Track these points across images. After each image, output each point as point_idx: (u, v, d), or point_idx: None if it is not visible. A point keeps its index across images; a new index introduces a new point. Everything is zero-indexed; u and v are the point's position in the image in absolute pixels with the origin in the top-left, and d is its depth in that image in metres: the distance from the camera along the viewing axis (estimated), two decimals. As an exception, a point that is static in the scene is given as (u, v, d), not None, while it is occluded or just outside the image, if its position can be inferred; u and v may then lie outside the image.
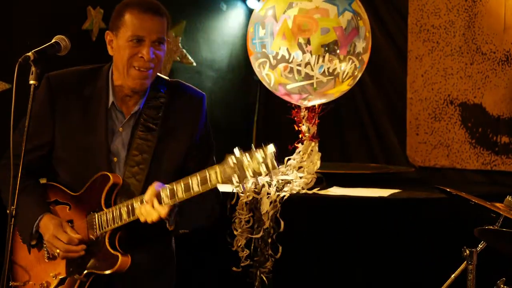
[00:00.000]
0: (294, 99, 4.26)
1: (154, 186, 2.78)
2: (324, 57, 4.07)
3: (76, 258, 2.92)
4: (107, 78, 3.01)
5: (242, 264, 4.10)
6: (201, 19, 5.64)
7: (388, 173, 5.13)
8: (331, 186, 4.37)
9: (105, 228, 2.88)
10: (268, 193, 4.09)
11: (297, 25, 4.06)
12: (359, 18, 4.16)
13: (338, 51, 4.08)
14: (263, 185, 4.12)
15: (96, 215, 2.91)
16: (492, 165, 5.16)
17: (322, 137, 4.39)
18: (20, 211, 2.67)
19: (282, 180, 4.20)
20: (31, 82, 2.69)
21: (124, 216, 2.84)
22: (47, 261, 2.99)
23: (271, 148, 2.56)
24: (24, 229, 2.95)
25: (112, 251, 2.87)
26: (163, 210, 2.75)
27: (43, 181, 3.13)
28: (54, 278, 2.96)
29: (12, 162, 2.74)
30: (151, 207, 2.76)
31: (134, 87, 2.95)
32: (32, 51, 2.72)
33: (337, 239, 4.08)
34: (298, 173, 4.25)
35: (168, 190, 2.74)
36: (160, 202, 2.75)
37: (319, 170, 4.31)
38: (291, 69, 4.10)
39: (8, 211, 2.66)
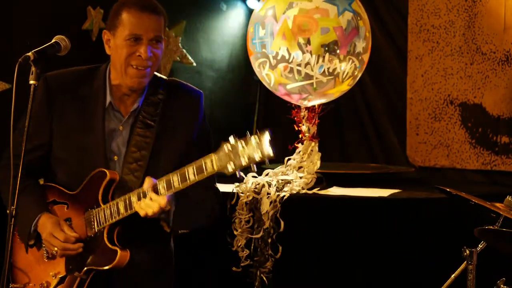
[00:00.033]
0: (294, 99, 4.26)
1: (151, 178, 2.80)
2: (324, 57, 4.07)
3: (75, 255, 2.93)
4: (104, 78, 3.02)
5: (242, 264, 4.10)
6: (201, 19, 5.64)
7: (388, 173, 5.13)
8: (331, 186, 4.37)
9: (103, 223, 2.89)
10: (268, 193, 4.09)
11: (297, 25, 4.06)
12: (359, 18, 4.16)
13: (338, 51, 4.08)
14: (263, 185, 4.12)
15: (94, 212, 2.92)
16: (492, 165, 5.16)
17: (322, 137, 4.39)
18: (20, 211, 2.68)
19: (282, 180, 4.20)
20: (31, 82, 2.69)
21: (122, 210, 2.85)
22: (46, 260, 2.99)
23: (266, 135, 2.57)
24: (23, 228, 2.96)
25: (110, 246, 2.88)
26: (162, 200, 2.77)
27: (41, 181, 3.14)
28: (54, 278, 2.97)
29: (12, 162, 2.74)
30: (149, 199, 2.77)
31: (132, 86, 2.96)
32: (32, 51, 2.72)
33: (337, 239, 4.08)
34: (298, 173, 4.25)
35: (164, 181, 2.77)
36: (157, 193, 2.77)
37: (319, 170, 4.31)
38: (291, 69, 4.10)
39: (8, 211, 2.66)
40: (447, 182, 5.11)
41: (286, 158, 4.35)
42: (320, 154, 4.32)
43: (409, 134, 5.51)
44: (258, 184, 4.14)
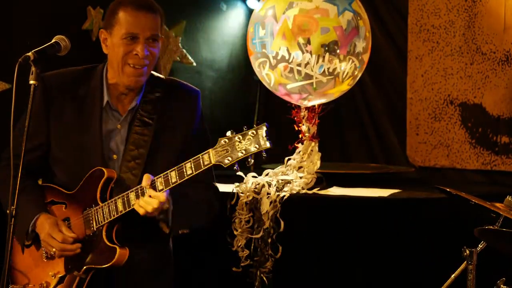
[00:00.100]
0: (294, 99, 4.26)
1: (149, 175, 2.81)
2: (324, 57, 4.07)
3: (74, 255, 2.92)
4: (101, 77, 3.03)
5: (242, 264, 4.10)
6: (201, 19, 5.64)
7: (388, 173, 5.12)
8: (331, 186, 4.37)
9: (101, 222, 2.90)
10: (268, 193, 4.09)
11: (297, 25, 4.06)
12: (359, 18, 4.15)
13: (338, 51, 4.08)
14: (263, 185, 4.12)
15: (92, 210, 2.92)
16: (492, 165, 5.16)
17: (322, 137, 4.39)
18: (19, 211, 2.68)
19: (282, 180, 4.20)
20: (31, 82, 2.69)
21: (120, 207, 2.85)
22: (45, 260, 3.00)
23: (263, 127, 2.59)
24: (21, 228, 2.96)
25: (109, 244, 2.89)
26: (161, 196, 2.78)
27: (39, 181, 3.14)
28: (53, 277, 2.97)
29: (12, 162, 2.74)
30: (148, 196, 2.77)
31: (129, 85, 2.97)
32: (32, 51, 2.72)
33: (337, 239, 4.08)
34: (298, 173, 4.25)
35: (162, 177, 2.78)
36: (155, 189, 2.78)
37: (319, 170, 4.31)
38: (291, 69, 4.10)
39: (8, 211, 2.66)
40: (447, 182, 5.11)
41: (286, 158, 4.35)
42: (320, 154, 4.32)
43: (409, 134, 5.51)
44: (258, 184, 4.14)
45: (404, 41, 5.50)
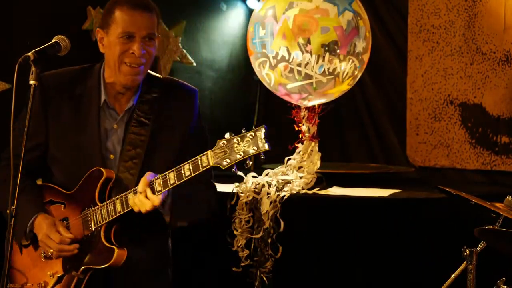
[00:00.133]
0: (294, 99, 4.26)
1: (147, 177, 2.82)
2: (324, 57, 4.07)
3: (72, 255, 2.93)
4: (99, 77, 3.03)
5: (242, 264, 4.09)
6: (201, 19, 5.64)
7: (388, 173, 5.12)
8: (331, 186, 4.37)
9: (100, 222, 2.90)
10: (268, 193, 4.09)
11: (297, 25, 4.06)
12: (359, 18, 4.15)
13: (338, 51, 4.08)
14: (263, 185, 4.12)
15: (91, 211, 2.93)
16: (492, 165, 5.16)
17: (322, 137, 4.39)
18: (19, 211, 2.68)
19: (282, 180, 4.20)
20: (31, 82, 2.70)
21: (119, 208, 2.86)
22: (44, 260, 3.00)
23: (261, 129, 2.59)
24: (19, 228, 2.96)
25: (108, 244, 2.89)
26: (156, 199, 2.79)
27: (38, 181, 3.14)
28: (51, 277, 2.97)
29: (12, 162, 2.74)
30: (144, 197, 2.78)
31: (126, 84, 2.97)
32: (32, 51, 2.73)
33: (337, 239, 4.08)
34: (298, 173, 4.25)
35: (160, 179, 2.78)
36: (153, 191, 2.78)
37: (319, 170, 4.31)
38: (291, 69, 4.10)
39: (8, 211, 2.66)
40: (447, 182, 5.11)
41: (286, 158, 4.35)
42: (320, 154, 4.32)
43: (409, 134, 5.51)
44: (258, 184, 4.14)
45: (404, 41, 5.50)
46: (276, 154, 4.28)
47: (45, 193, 3.06)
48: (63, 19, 4.59)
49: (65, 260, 2.96)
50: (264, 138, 2.59)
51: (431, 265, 3.97)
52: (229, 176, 4.16)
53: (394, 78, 5.63)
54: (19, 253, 3.05)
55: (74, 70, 3.09)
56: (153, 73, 3.11)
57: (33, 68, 2.70)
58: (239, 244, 4.10)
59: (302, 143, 4.31)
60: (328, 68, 4.09)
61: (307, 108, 4.30)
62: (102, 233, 2.90)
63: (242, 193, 4.12)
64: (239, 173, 4.22)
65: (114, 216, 2.87)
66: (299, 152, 4.31)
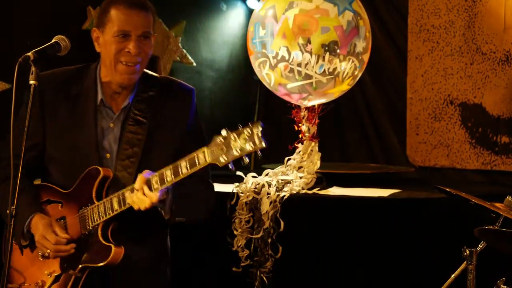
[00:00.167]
0: (294, 99, 4.26)
1: (143, 174, 2.82)
2: (324, 57, 4.07)
3: (69, 254, 2.93)
4: (95, 76, 3.04)
5: (242, 264, 4.09)
6: (201, 19, 5.64)
7: (388, 173, 5.12)
8: (331, 186, 4.37)
9: (97, 220, 2.90)
10: (268, 193, 4.09)
11: (297, 25, 4.06)
12: (359, 18, 4.15)
13: (338, 51, 4.08)
14: (263, 185, 4.12)
15: (88, 209, 2.93)
16: (492, 165, 5.16)
17: (322, 137, 4.39)
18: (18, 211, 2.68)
19: (282, 180, 4.20)
20: (31, 82, 2.70)
21: (116, 206, 2.86)
22: (41, 259, 3.00)
23: (258, 126, 2.58)
24: (17, 229, 2.96)
25: (105, 243, 2.89)
26: (154, 196, 2.79)
27: (37, 181, 3.14)
28: (49, 276, 2.97)
29: (12, 162, 2.74)
30: (142, 194, 2.78)
31: (122, 82, 2.98)
32: (32, 51, 2.73)
33: (337, 239, 4.08)
34: (298, 173, 4.25)
35: (157, 176, 2.78)
36: (150, 188, 2.78)
37: (319, 170, 4.31)
38: (291, 69, 4.10)
39: (8, 211, 2.66)
40: (447, 182, 5.11)
41: (286, 158, 4.35)
42: (320, 154, 4.32)
43: (409, 134, 5.51)
44: (258, 184, 4.14)
45: (404, 41, 5.50)
46: (276, 154, 4.28)
47: (42, 192, 3.06)
48: (63, 19, 4.59)
49: (63, 259, 2.97)
50: (261, 135, 2.59)
51: (431, 265, 3.97)
52: (229, 176, 4.17)
53: (394, 78, 5.63)
54: (18, 252, 3.04)
55: (70, 70, 3.10)
56: (150, 72, 3.12)
57: (33, 68, 2.70)
58: (239, 244, 4.10)
59: (302, 143, 4.31)
60: (328, 68, 4.09)
61: (307, 108, 4.30)
62: (99, 231, 2.91)
63: (242, 193, 4.12)
64: (239, 173, 4.22)
65: (112, 214, 2.88)
66: (299, 152, 4.31)
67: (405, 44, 5.49)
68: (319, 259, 4.10)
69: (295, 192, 4.14)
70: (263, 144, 2.60)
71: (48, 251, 2.93)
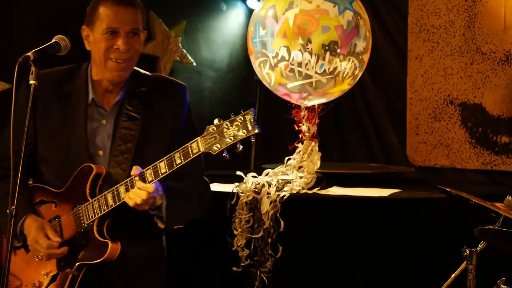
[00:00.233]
0: (294, 99, 4.26)
1: (138, 167, 2.82)
2: (324, 56, 4.07)
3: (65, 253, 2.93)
4: (86, 75, 3.05)
5: (242, 264, 4.09)
6: (201, 19, 5.64)
7: (388, 173, 5.12)
8: (331, 186, 4.37)
9: (92, 217, 2.90)
10: (268, 193, 4.09)
11: (298, 25, 4.06)
12: (359, 18, 4.15)
13: (338, 51, 4.08)
14: (263, 185, 4.12)
15: (82, 207, 2.93)
16: (492, 165, 5.16)
17: (322, 137, 4.39)
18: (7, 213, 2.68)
19: (282, 180, 4.20)
20: (31, 82, 2.70)
21: (110, 201, 2.86)
22: (37, 260, 2.99)
23: (250, 113, 2.60)
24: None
25: (101, 239, 2.89)
26: (150, 186, 2.79)
27: (30, 182, 3.14)
28: (45, 276, 2.97)
29: (12, 162, 2.74)
30: (137, 188, 2.78)
31: (112, 79, 2.99)
32: (32, 51, 2.73)
33: (337, 239, 4.08)
34: (298, 173, 4.25)
35: (151, 169, 2.79)
36: (144, 181, 2.78)
37: (319, 170, 4.31)
38: (292, 69, 4.10)
39: (8, 211, 2.66)
40: (447, 182, 5.11)
41: (286, 158, 4.35)
42: (320, 154, 4.32)
43: (409, 134, 5.51)
44: (258, 184, 4.14)
45: (404, 41, 5.50)
46: (276, 154, 4.28)
47: (35, 193, 3.06)
48: (63, 19, 4.57)
49: (59, 258, 2.96)
50: (253, 121, 2.60)
51: (431, 265, 3.97)
52: (229, 176, 4.17)
53: (394, 78, 5.63)
54: (13, 255, 3.03)
55: (62, 70, 3.11)
56: (142, 70, 3.12)
57: (33, 68, 2.70)
58: (239, 244, 4.10)
59: (302, 143, 4.31)
60: (328, 68, 4.09)
61: (307, 108, 4.30)
62: (95, 228, 2.90)
63: (242, 193, 4.12)
64: (239, 173, 4.22)
65: (106, 210, 2.87)
66: (299, 152, 4.31)
67: (405, 44, 5.49)
68: (319, 259, 4.10)
69: (295, 192, 4.14)
70: (256, 130, 2.61)
71: (41, 254, 2.93)
